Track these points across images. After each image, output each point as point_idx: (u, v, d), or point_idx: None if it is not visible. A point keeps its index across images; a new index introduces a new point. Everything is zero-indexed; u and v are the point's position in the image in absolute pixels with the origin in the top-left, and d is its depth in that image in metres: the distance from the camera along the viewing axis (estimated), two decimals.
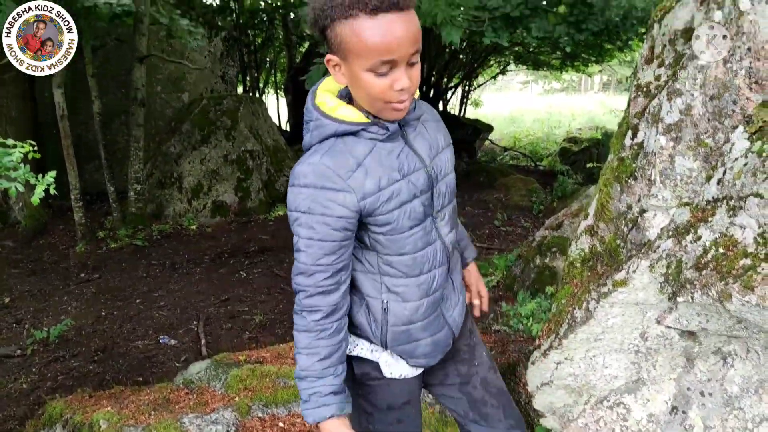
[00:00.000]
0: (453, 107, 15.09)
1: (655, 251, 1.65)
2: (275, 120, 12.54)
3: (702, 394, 1.80)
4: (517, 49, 11.38)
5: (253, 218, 7.62)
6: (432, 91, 12.63)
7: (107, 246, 6.62)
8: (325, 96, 1.43)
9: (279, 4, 11.45)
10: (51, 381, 3.88)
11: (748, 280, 1.31)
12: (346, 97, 1.45)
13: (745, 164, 1.42)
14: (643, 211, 1.78)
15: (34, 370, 4.05)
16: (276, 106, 13.98)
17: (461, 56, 12.64)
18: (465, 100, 14.93)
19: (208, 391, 2.77)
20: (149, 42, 7.20)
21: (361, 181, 1.34)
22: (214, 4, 11.07)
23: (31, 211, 7.04)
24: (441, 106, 13.30)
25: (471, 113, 16.43)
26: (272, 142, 8.47)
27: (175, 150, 7.77)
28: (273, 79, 14.60)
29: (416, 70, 1.31)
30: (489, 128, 13.37)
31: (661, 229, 1.70)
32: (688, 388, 1.83)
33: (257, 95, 12.17)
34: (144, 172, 7.31)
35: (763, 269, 1.29)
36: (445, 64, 12.51)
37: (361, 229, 1.44)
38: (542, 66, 13.57)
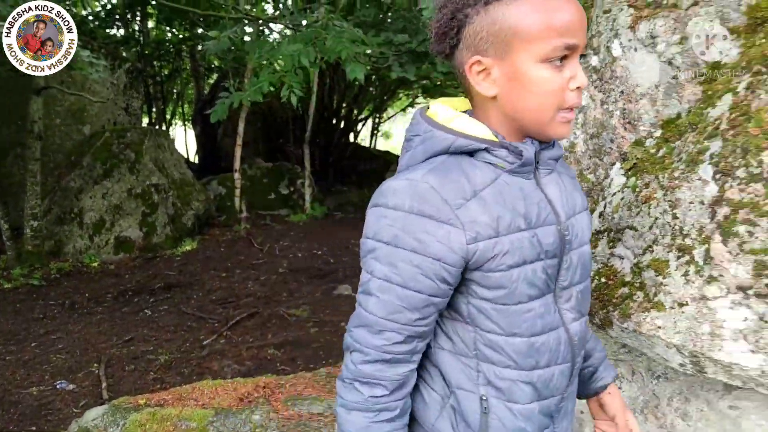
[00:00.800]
0: (363, 139, 15.25)
1: None
2: (183, 152, 12.32)
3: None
4: (424, 82, 11.67)
5: (159, 254, 7.41)
6: (342, 122, 12.75)
7: (0, 286, 6.26)
8: (440, 107, 1.08)
9: (186, 35, 11.32)
10: None
11: (625, 308, 1.39)
12: None
13: (622, 198, 1.52)
14: None
15: None
16: (184, 138, 13.72)
17: (371, 89, 12.84)
18: (375, 131, 15.14)
19: None
20: None
21: (476, 215, 0.97)
22: (118, 35, 10.83)
23: None
24: (352, 137, 13.43)
25: (382, 145, 16.67)
26: (179, 176, 8.29)
27: (75, 184, 7.48)
28: (180, 111, 14.35)
29: None
30: (398, 159, 13.61)
31: None
32: (582, 411, 1.91)
33: (164, 127, 11.93)
34: (42, 207, 6.99)
35: (638, 297, 1.38)
36: (355, 97, 12.68)
37: (458, 291, 1.04)
38: None
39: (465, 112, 1.11)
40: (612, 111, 1.62)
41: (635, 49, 1.55)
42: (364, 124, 14.25)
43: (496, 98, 1.02)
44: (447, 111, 1.06)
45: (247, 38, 6.87)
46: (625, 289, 1.42)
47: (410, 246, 0.96)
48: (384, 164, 12.87)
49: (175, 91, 13.60)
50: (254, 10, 7.11)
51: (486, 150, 1.01)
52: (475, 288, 1.02)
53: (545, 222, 1.04)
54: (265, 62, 4.95)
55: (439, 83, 11.39)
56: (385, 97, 13.79)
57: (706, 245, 1.27)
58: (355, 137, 13.82)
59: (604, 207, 1.60)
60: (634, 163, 1.54)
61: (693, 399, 1.57)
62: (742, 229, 1.21)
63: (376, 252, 1.00)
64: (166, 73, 12.52)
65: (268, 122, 11.49)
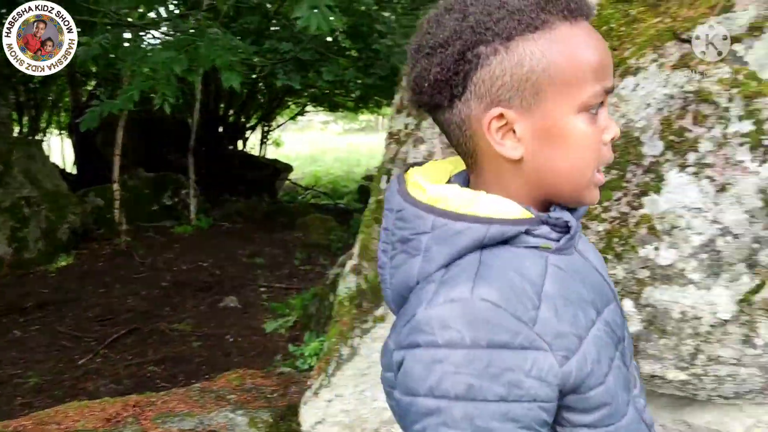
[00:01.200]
0: (253, 147, 15.06)
1: None
2: (60, 163, 11.72)
3: None
4: (312, 90, 11.68)
5: (32, 270, 6.99)
6: (229, 130, 12.53)
7: None
8: (435, 187, 0.80)
9: None
10: None
11: None
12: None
13: None
14: None
15: None
16: (61, 148, 13.06)
17: (258, 96, 12.69)
18: (264, 140, 14.97)
19: None
20: None
21: (554, 324, 0.73)
22: None
23: None
24: (240, 145, 13.22)
25: (273, 153, 16.49)
26: (53, 187, 7.86)
27: None
28: (56, 119, 13.61)
29: None
30: (288, 168, 13.53)
31: None
32: None
33: (38, 137, 11.28)
34: None
35: None
36: (242, 104, 12.50)
37: None
38: (338, 107, 14.03)
39: (456, 175, 0.89)
40: None
41: None
42: (252, 132, 14.06)
43: (521, 161, 0.78)
44: (462, 193, 0.78)
45: (126, 44, 6.63)
46: None
47: (495, 395, 0.68)
48: (273, 172, 12.74)
49: (50, 98, 12.88)
50: (130, 16, 6.87)
51: (526, 232, 0.77)
52: (568, 416, 0.76)
53: (608, 301, 0.84)
54: (146, 69, 4.80)
55: (327, 92, 11.45)
56: (274, 105, 13.67)
57: None
58: (244, 145, 13.61)
59: None
60: None
61: None
62: None
63: (442, 415, 0.68)
64: (39, 79, 11.85)
65: (151, 131, 11.10)
